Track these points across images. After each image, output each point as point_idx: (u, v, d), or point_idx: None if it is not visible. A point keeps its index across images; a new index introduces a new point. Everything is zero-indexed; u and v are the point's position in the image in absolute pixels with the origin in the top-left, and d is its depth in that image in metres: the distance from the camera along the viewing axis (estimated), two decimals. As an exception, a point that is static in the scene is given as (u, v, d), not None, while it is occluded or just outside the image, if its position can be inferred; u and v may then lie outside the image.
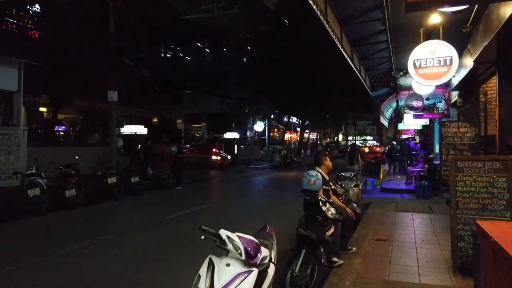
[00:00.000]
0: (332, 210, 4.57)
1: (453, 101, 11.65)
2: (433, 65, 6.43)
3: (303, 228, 4.34)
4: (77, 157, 10.94)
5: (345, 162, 11.87)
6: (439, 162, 13.32)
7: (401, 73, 9.32)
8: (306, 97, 29.58)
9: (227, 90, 32.26)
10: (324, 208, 4.50)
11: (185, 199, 11.84)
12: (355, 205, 7.79)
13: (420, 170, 12.56)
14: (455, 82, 8.60)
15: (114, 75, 14.66)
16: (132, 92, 29.99)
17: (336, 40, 6.37)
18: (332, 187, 6.70)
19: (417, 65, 6.56)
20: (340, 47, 6.46)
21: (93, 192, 10.98)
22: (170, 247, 6.38)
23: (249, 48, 36.96)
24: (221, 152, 24.80)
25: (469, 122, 7.36)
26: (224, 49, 40.28)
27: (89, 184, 11.15)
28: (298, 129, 41.08)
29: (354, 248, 5.44)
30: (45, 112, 18.17)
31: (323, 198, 4.58)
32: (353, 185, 7.77)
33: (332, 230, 4.52)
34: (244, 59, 36.31)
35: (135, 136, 15.14)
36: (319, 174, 4.59)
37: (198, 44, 41.51)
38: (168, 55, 41.67)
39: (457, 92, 10.26)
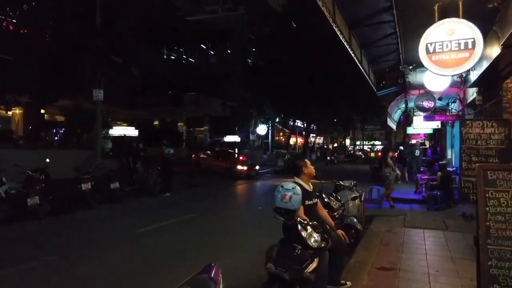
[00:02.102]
0: (316, 236, 3.38)
1: (469, 100, 10.35)
2: (451, 50, 5.20)
3: (273, 263, 3.15)
4: (48, 160, 9.86)
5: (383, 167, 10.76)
6: (454, 169, 12.05)
7: (411, 68, 8.08)
8: (311, 99, 28.68)
9: (231, 92, 31.29)
10: (304, 234, 3.31)
11: (169, 208, 10.68)
12: (354, 220, 6.58)
13: (431, 178, 11.25)
14: (473, 77, 7.35)
15: (99, 72, 13.65)
16: (133, 94, 29.32)
17: (329, 19, 5.18)
18: (325, 199, 5.51)
19: (431, 49, 5.34)
20: (335, 29, 5.27)
21: (65, 200, 9.90)
22: (126, 273, 5.22)
23: (253, 49, 36.11)
24: (248, 161, 22.30)
25: (496, 121, 6.04)
26: (228, 51, 39.46)
27: (62, 191, 10.09)
28: (304, 133, 39.82)
29: (348, 283, 4.21)
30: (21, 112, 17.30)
31: (303, 220, 3.39)
32: (352, 196, 6.56)
33: (314, 264, 3.32)
34: (249, 61, 35.40)
35: (124, 138, 14.07)
36: (297, 187, 3.39)
37: (201, 45, 40.66)
38: (172, 56, 40.89)
39: (474, 89, 8.98)
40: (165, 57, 40.11)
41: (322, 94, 28.45)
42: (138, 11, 20.57)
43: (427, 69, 5.73)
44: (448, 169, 10.77)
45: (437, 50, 5.31)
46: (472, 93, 9.55)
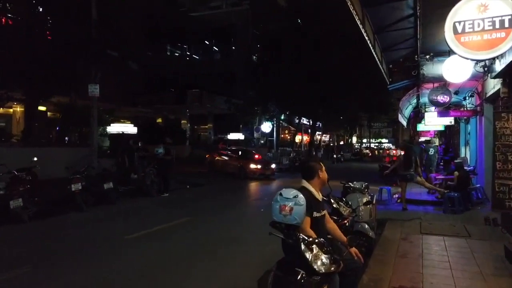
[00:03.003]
0: (323, 258, 2.66)
1: (489, 94, 9.51)
2: (484, 29, 4.43)
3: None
4: (35, 159, 9.23)
5: (400, 166, 9.94)
6: (471, 168, 11.24)
7: (428, 57, 7.30)
8: (318, 97, 27.95)
9: (235, 89, 30.67)
10: (308, 256, 2.59)
11: (165, 210, 10.01)
12: (366, 226, 5.86)
13: (446, 178, 10.47)
14: (499, 66, 6.57)
15: (95, 66, 13.03)
16: (135, 91, 28.82)
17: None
18: (334, 205, 4.80)
19: (459, 29, 4.57)
20: (349, 6, 4.52)
21: (53, 202, 9.28)
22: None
23: (258, 46, 35.51)
24: (265, 158, 21.35)
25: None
26: (233, 47, 38.87)
27: (50, 192, 9.49)
28: (310, 131, 39.02)
29: (363, 310, 3.49)
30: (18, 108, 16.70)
31: (308, 237, 2.67)
32: (364, 201, 5.83)
33: (321, 295, 2.61)
34: (253, 57, 34.80)
35: (122, 136, 13.45)
36: (301, 196, 2.67)
37: (205, 42, 40.08)
38: (176, 53, 40.35)
39: (497, 81, 8.17)
40: (169, 54, 39.61)
41: (329, 92, 27.79)
42: (137, 5, 19.98)
43: (455, 53, 4.96)
44: (466, 168, 9.99)
45: (467, 30, 4.55)
46: (493, 86, 8.72)
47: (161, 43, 35.85)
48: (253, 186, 16.08)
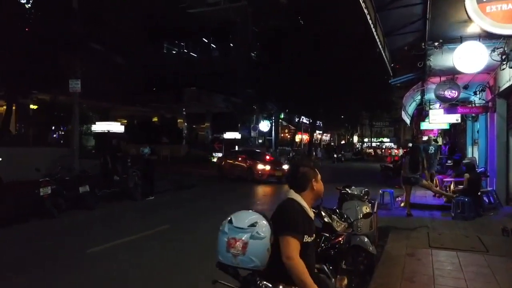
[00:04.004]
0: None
1: (503, 88, 8.59)
2: (516, -4, 3.56)
3: None
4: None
5: (405, 168, 8.97)
6: (482, 170, 10.30)
7: (437, 44, 6.38)
8: (317, 94, 27.22)
9: (234, 88, 29.86)
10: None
11: (145, 216, 9.09)
12: (365, 239, 4.95)
13: (455, 181, 9.53)
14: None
15: (76, 60, 12.17)
16: (133, 90, 28.03)
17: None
18: (325, 219, 3.89)
19: (484, -3, 3.68)
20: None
21: (20, 207, 8.41)
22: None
23: (257, 43, 34.78)
24: (276, 159, 19.76)
25: None
26: (231, 44, 38.10)
27: (17, 197, 8.62)
28: (309, 130, 38.13)
29: None
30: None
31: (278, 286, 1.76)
32: (364, 210, 4.93)
33: None
34: (253, 55, 34.06)
35: (107, 135, 12.60)
36: (262, 224, 1.74)
37: (203, 39, 39.29)
38: (173, 51, 39.57)
39: (513, 73, 7.26)
40: (166, 51, 38.78)
41: (329, 90, 27.08)
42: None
43: (479, 26, 4.03)
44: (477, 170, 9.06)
45: (493, -3, 3.66)
46: (509, 78, 7.80)
47: (158, 40, 35.13)
48: (255, 189, 14.65)
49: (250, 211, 1.75)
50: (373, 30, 4.62)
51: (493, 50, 6.23)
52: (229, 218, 1.70)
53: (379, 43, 5.28)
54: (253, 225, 1.65)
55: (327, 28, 26.15)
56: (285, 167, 16.68)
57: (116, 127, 13.38)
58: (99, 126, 13.14)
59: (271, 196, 13.14)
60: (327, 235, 3.78)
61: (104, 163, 11.82)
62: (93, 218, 8.78)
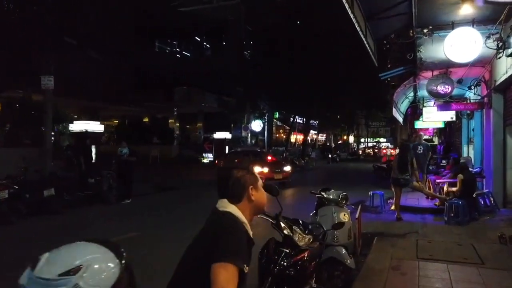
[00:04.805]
0: None
1: (499, 81, 7.96)
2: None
3: None
4: None
5: (394, 168, 8.29)
6: (477, 170, 9.67)
7: (426, 31, 5.72)
8: (310, 93, 26.69)
9: (227, 87, 29.28)
10: None
11: (114, 222, 8.39)
12: (343, 251, 4.31)
13: (449, 182, 8.88)
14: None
15: (49, 55, 11.47)
16: (122, 89, 27.37)
17: None
18: (285, 231, 3.21)
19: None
20: None
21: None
22: None
23: (251, 42, 34.28)
24: (281, 160, 18.17)
25: None
26: (224, 43, 37.54)
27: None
28: (303, 129, 37.52)
29: None
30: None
31: None
32: (341, 217, 4.30)
33: None
34: (246, 53, 33.55)
35: (85, 135, 11.92)
36: (102, 268, 1.00)
37: (196, 38, 38.73)
38: (166, 50, 38.95)
39: (510, 64, 6.62)
40: (157, 50, 38.11)
41: (322, 89, 26.59)
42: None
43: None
44: (472, 170, 8.42)
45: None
46: (505, 70, 7.18)
47: (150, 39, 34.54)
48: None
49: (88, 243, 1.04)
50: (349, 11, 3.94)
51: (488, 37, 5.58)
52: (39, 257, 1.00)
53: (358, 29, 4.60)
54: (70, 272, 0.93)
55: (320, 27, 25.74)
56: (287, 168, 15.03)
57: (95, 126, 12.64)
58: (77, 126, 12.44)
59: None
60: (287, 251, 3.12)
61: (78, 164, 11.17)
62: (56, 224, 8.08)
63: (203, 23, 33.79)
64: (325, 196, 4.75)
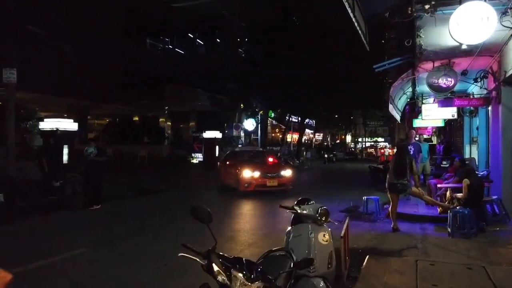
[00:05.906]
0: None
1: (510, 72, 6.92)
2: None
3: None
4: None
5: (390, 172, 7.20)
6: (483, 173, 8.62)
7: (427, 8, 4.69)
8: (305, 91, 25.81)
9: (220, 85, 28.33)
10: None
11: (67, 234, 7.22)
12: (321, 284, 3.23)
13: (452, 187, 7.81)
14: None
15: (11, 45, 10.44)
16: (112, 87, 26.37)
17: None
18: (219, 278, 2.13)
19: None
20: None
21: None
22: None
23: (246, 39, 33.44)
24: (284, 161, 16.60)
25: None
26: (218, 40, 36.65)
27: None
28: (298, 128, 36.50)
29: None
30: None
31: None
32: (320, 239, 3.29)
33: None
34: (240, 50, 32.71)
35: (51, 133, 10.88)
36: None
37: (189, 34, 37.80)
38: (158, 47, 37.96)
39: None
40: (149, 47, 37.07)
41: (318, 87, 25.72)
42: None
43: None
44: (479, 174, 7.38)
45: None
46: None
47: (141, 35, 33.60)
48: (227, 205, 10.47)
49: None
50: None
51: (504, 13, 4.56)
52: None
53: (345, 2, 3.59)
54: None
55: (317, 23, 24.99)
56: (285, 173, 12.59)
57: (68, 124, 11.54)
58: (48, 123, 11.39)
59: (238, 212, 11.26)
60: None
61: (41, 166, 10.10)
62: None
63: (196, 19, 32.87)
64: (298, 211, 3.70)
